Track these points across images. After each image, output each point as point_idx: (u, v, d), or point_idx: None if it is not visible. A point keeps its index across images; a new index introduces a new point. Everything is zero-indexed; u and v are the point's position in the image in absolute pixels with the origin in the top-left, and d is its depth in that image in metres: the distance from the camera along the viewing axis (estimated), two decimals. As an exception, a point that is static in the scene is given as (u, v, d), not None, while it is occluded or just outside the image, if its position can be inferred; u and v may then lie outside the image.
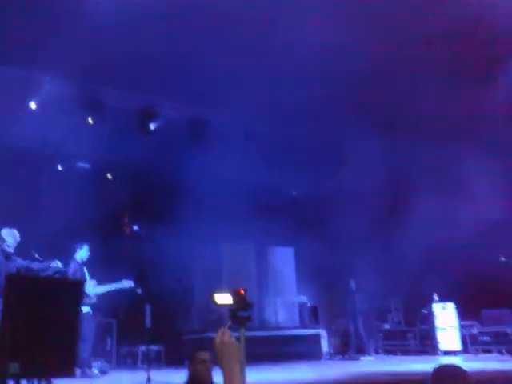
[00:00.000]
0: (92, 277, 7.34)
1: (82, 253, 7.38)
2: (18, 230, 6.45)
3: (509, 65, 8.24)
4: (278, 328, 10.67)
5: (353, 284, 10.50)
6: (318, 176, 10.44)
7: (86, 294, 6.83)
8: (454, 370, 2.71)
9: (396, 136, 10.26)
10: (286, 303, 11.58)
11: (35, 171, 9.54)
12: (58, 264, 6.18)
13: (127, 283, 7.22)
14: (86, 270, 7.30)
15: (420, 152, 10.71)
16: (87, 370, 6.86)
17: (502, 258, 7.80)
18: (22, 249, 6.51)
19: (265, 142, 10.30)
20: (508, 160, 9.93)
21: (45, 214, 9.62)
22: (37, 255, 6.39)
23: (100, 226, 9.25)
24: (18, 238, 6.38)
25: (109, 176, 11.11)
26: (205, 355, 3.88)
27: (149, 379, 5.76)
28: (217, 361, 1.98)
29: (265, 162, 9.97)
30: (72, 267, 7.12)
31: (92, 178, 10.57)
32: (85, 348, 6.70)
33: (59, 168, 10.50)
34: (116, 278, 7.33)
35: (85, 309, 6.92)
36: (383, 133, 10.01)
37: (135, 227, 7.09)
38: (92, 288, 7.17)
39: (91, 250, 7.57)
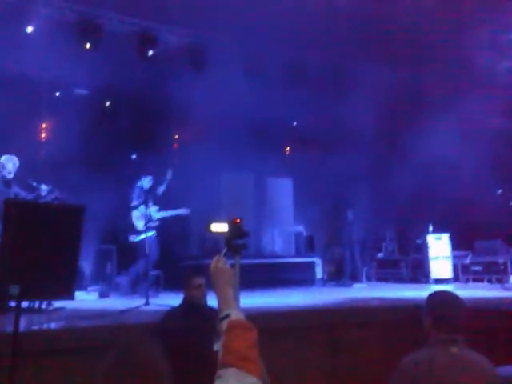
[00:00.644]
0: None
1: (145, 182, 7.75)
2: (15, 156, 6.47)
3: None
4: (274, 255, 10.91)
5: (350, 214, 10.63)
6: (318, 107, 10.30)
7: (150, 218, 7.48)
8: (448, 295, 2.82)
9: (398, 67, 10.05)
10: (282, 233, 11.79)
11: (33, 98, 9.41)
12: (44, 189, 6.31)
13: (184, 211, 7.98)
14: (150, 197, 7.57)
15: (422, 84, 10.53)
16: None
17: (499, 191, 7.86)
18: (19, 177, 6.55)
19: (265, 69, 10.09)
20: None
21: (43, 141, 9.60)
22: (35, 183, 6.43)
23: (98, 153, 9.23)
24: (17, 164, 6.41)
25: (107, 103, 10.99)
26: (200, 280, 4.02)
27: (147, 302, 5.96)
28: (211, 286, 2.05)
29: (265, 90, 9.81)
30: (136, 193, 7.77)
31: (90, 104, 10.45)
32: (149, 265, 7.36)
33: (57, 94, 10.35)
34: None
35: (150, 232, 7.57)
36: (385, 64, 9.80)
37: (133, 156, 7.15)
38: (154, 213, 7.69)
39: (88, 177, 7.68)
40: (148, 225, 7.35)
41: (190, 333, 3.69)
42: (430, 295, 2.82)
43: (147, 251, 7.04)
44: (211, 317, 4.00)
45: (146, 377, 1.42)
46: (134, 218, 7.66)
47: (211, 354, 3.66)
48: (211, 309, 4.11)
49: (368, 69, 9.76)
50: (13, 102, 8.07)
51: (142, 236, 7.40)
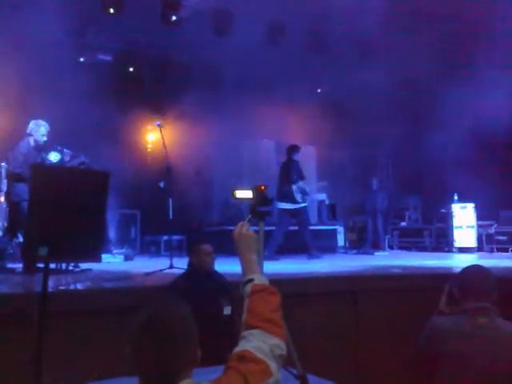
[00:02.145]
0: None
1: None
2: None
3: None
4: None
5: (375, 182, 10.54)
6: (343, 73, 10.11)
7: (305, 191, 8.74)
8: (478, 267, 2.83)
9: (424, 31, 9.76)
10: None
11: (56, 62, 9.42)
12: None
13: None
14: None
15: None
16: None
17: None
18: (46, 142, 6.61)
19: (290, 36, 9.92)
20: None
21: (68, 107, 9.62)
22: (59, 147, 6.50)
23: (121, 118, 9.25)
24: (48, 129, 6.47)
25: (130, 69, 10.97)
26: (210, 247, 4.05)
27: (171, 265, 6.07)
28: (236, 251, 2.07)
29: (289, 57, 9.67)
30: (295, 168, 8.69)
31: (114, 70, 10.45)
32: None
33: (81, 60, 10.36)
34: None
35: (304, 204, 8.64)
36: (409, 28, 9.52)
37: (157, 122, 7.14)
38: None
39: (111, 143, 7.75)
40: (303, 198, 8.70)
41: (200, 296, 3.75)
42: (462, 269, 2.84)
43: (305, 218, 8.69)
44: (220, 282, 4.09)
45: (174, 337, 1.45)
46: (294, 190, 8.58)
47: (221, 317, 3.74)
48: (219, 275, 4.17)
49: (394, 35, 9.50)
50: (37, 67, 8.10)
51: (301, 205, 8.61)
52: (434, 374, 2.61)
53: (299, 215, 8.61)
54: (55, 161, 6.31)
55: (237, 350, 1.68)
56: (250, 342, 1.69)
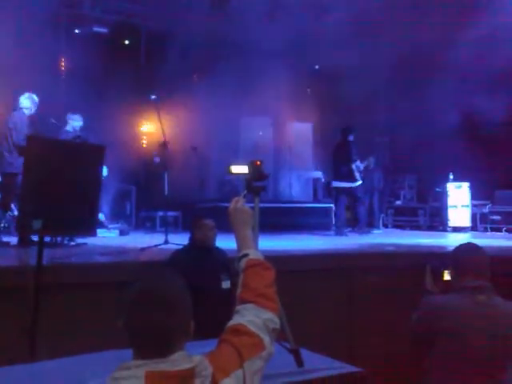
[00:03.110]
0: None
1: None
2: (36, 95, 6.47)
3: None
4: (291, 201, 10.94)
5: (372, 161, 10.51)
6: (340, 49, 10.00)
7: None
8: (472, 245, 2.84)
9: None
10: (300, 178, 11.75)
11: (52, 34, 9.28)
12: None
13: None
14: None
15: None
16: None
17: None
18: (39, 114, 6.57)
19: (290, 8, 9.76)
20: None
21: (63, 79, 9.53)
22: (54, 120, 6.46)
23: (117, 91, 9.15)
24: (37, 102, 6.43)
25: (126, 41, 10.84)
26: (212, 222, 4.07)
27: (166, 241, 6.08)
28: (231, 226, 2.06)
29: (289, 30, 9.53)
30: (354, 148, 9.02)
31: (109, 42, 10.32)
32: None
33: (76, 32, 10.22)
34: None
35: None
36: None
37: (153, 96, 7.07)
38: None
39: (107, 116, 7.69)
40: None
41: (201, 270, 3.78)
42: (456, 247, 2.84)
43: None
44: (219, 257, 4.12)
45: (169, 309, 1.45)
46: (354, 169, 8.99)
47: (221, 291, 3.78)
48: (219, 250, 4.19)
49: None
50: (32, 39, 7.98)
51: (358, 183, 9.10)
52: (431, 352, 2.63)
53: (355, 193, 9.14)
54: (50, 134, 6.28)
55: (231, 323, 1.69)
56: (244, 316, 1.69)
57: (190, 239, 4.23)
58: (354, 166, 8.98)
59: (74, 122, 6.91)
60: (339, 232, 8.97)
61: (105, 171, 7.72)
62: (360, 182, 9.14)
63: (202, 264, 3.88)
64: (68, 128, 6.82)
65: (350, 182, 9.05)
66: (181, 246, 4.60)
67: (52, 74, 8.97)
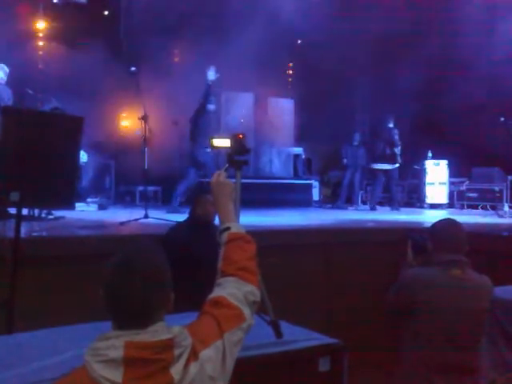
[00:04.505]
0: None
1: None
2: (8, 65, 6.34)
3: None
4: (272, 177, 10.94)
5: (357, 137, 10.49)
6: (322, 22, 9.90)
7: None
8: (450, 220, 2.89)
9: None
10: (281, 154, 11.74)
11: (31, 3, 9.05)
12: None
13: None
14: None
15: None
16: None
17: (502, 118, 7.74)
18: (16, 85, 6.43)
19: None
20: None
21: (40, 50, 9.31)
22: (30, 91, 6.33)
23: (95, 64, 8.97)
24: (7, 72, 6.32)
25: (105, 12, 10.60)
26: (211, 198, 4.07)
27: (146, 215, 6.05)
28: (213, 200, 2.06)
29: (270, 4, 9.41)
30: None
31: (88, 13, 10.06)
32: None
33: (54, 1, 9.94)
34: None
35: None
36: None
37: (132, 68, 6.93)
38: None
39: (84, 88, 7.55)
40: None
41: (198, 245, 3.80)
42: (435, 222, 2.89)
43: None
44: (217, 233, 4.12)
45: (147, 281, 1.45)
46: (397, 153, 9.80)
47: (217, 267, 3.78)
48: (217, 226, 4.19)
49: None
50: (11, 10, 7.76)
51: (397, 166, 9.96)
52: (406, 322, 2.69)
53: (393, 174, 9.95)
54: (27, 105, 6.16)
55: (211, 296, 1.70)
56: (225, 288, 1.71)
57: (190, 214, 4.22)
58: (396, 150, 9.80)
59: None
60: (373, 207, 9.81)
61: (84, 157, 7.61)
62: (398, 165, 9.94)
63: (201, 239, 3.88)
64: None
65: (390, 164, 9.84)
66: (161, 221, 4.59)
67: (28, 45, 8.77)
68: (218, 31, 9.64)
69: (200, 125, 7.85)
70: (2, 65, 6.31)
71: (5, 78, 6.26)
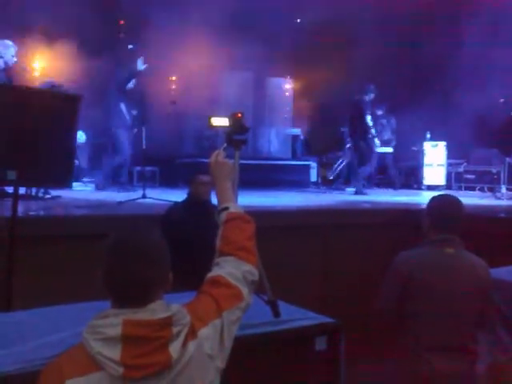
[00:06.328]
0: None
1: None
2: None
3: None
4: (270, 158, 10.91)
5: None
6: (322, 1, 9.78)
7: None
8: (448, 197, 2.87)
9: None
10: (279, 134, 11.70)
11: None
12: None
13: None
14: None
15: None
16: None
17: (501, 100, 7.72)
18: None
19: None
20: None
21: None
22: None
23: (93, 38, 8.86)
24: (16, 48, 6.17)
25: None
26: (206, 177, 4.07)
27: (144, 195, 6.04)
28: (211, 180, 2.06)
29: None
30: None
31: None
32: None
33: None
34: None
35: None
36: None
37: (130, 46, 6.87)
38: None
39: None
40: None
41: (195, 225, 3.80)
42: (432, 198, 2.86)
43: None
44: (214, 213, 4.11)
45: (145, 259, 1.45)
46: None
47: (214, 247, 3.78)
48: (215, 206, 4.18)
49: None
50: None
51: None
52: (403, 301, 2.68)
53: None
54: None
55: (210, 275, 1.70)
56: (224, 268, 1.71)
57: (188, 194, 4.26)
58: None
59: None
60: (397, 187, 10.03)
61: (82, 137, 7.55)
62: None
63: (195, 218, 3.91)
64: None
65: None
66: (159, 201, 4.59)
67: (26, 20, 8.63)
68: (218, 10, 9.50)
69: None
70: (10, 42, 6.08)
71: (13, 57, 6.04)
